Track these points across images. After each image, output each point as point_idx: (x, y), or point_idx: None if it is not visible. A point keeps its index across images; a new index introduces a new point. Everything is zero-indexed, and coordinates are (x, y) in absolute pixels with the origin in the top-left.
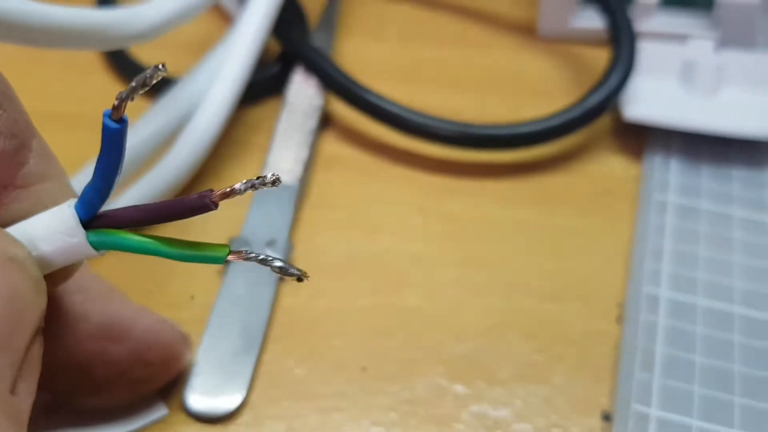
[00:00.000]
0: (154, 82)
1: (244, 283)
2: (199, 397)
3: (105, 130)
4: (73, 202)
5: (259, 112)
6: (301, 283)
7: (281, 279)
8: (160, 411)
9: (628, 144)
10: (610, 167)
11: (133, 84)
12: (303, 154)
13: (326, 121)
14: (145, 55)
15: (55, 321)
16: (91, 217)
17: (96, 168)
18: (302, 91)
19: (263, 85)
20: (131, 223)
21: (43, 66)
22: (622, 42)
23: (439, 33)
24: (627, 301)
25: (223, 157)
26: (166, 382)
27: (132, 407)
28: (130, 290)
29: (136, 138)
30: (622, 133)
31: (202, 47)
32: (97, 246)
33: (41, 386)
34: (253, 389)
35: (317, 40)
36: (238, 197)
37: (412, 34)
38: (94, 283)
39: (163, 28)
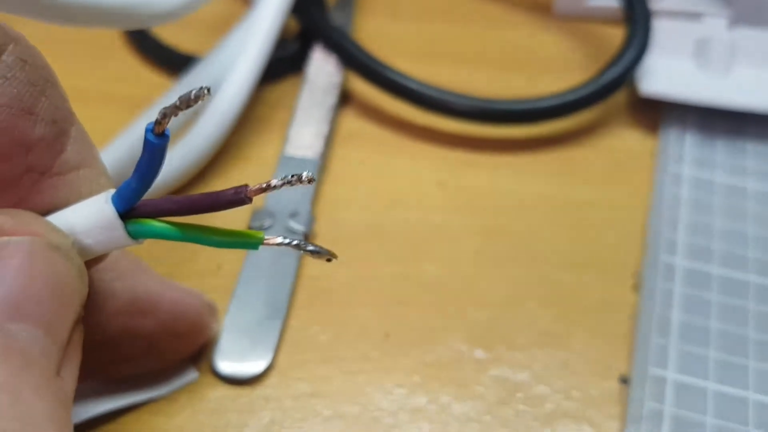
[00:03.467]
0: (199, 102)
1: (269, 253)
2: (227, 362)
3: (147, 143)
4: (110, 195)
5: (279, 90)
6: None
7: None
8: (190, 375)
9: (643, 119)
10: (626, 141)
11: (177, 103)
12: (323, 129)
13: (345, 98)
14: (166, 34)
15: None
16: (128, 209)
17: (135, 171)
18: (322, 68)
19: (283, 63)
20: (166, 214)
21: (66, 46)
22: (637, 18)
23: (455, 11)
24: (644, 269)
25: (245, 133)
26: (194, 351)
27: (163, 372)
28: (159, 262)
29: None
30: (637, 109)
31: (222, 27)
32: (135, 236)
33: None
34: (279, 353)
35: (336, 18)
36: (263, 174)
37: (428, 13)
38: (123, 259)
39: (188, 8)
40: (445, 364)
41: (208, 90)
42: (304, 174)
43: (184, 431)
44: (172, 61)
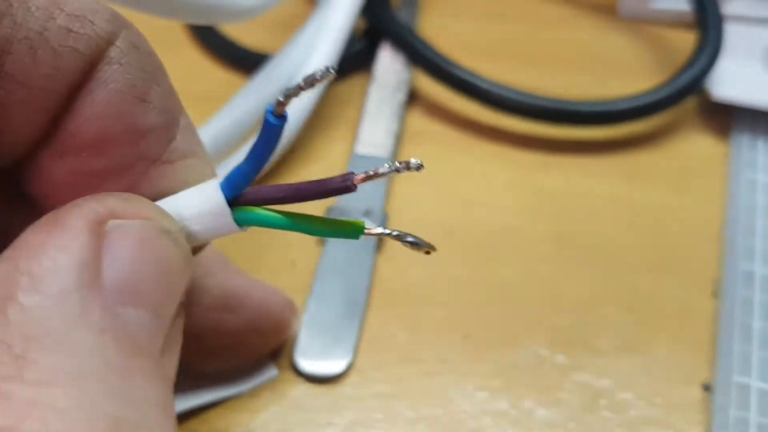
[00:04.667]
0: (324, 82)
1: (344, 251)
2: (308, 360)
3: (266, 124)
4: (217, 181)
5: (346, 88)
6: (395, 253)
7: (379, 249)
8: (270, 372)
9: (713, 124)
10: (696, 146)
11: (301, 83)
12: (393, 127)
13: (410, 97)
14: (231, 29)
15: None
16: (235, 197)
17: (249, 155)
18: (390, 66)
19: (349, 61)
20: (271, 202)
21: None
22: (709, 24)
23: (517, 11)
24: (723, 276)
25: (314, 131)
26: (276, 347)
27: (244, 369)
28: (232, 259)
29: (235, 112)
30: (706, 114)
31: (285, 24)
32: (240, 223)
33: None
34: (358, 353)
35: (401, 17)
36: (332, 172)
37: (492, 13)
38: (212, 255)
39: (265, 6)
40: (526, 368)
41: (333, 68)
42: (413, 161)
43: (269, 427)
44: (240, 58)
